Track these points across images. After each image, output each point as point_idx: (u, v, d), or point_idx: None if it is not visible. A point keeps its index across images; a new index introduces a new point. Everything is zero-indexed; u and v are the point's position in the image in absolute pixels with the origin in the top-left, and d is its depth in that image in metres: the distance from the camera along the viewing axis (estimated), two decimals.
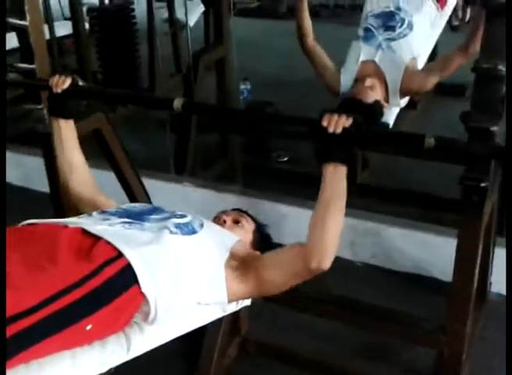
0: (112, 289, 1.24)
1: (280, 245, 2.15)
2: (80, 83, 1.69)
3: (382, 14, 3.24)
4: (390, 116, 3.14)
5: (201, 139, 3.28)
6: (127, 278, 1.27)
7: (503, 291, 2.32)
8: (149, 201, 2.80)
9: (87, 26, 4.18)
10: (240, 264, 1.52)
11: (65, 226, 1.39)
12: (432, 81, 2.92)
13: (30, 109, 1.96)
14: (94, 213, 1.56)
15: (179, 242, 1.44)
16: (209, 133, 3.46)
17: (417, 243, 2.51)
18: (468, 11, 4.09)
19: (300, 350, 2.21)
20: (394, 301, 2.39)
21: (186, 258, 1.42)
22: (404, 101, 3.07)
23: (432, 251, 2.49)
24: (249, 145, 3.57)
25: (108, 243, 1.31)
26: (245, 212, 1.91)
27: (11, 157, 2.23)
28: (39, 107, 1.96)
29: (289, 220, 2.75)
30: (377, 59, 3.03)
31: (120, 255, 1.29)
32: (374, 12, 3.28)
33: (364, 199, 3.05)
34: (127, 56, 4.07)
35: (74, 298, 1.18)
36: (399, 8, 3.21)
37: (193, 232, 1.51)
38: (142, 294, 1.29)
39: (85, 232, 1.36)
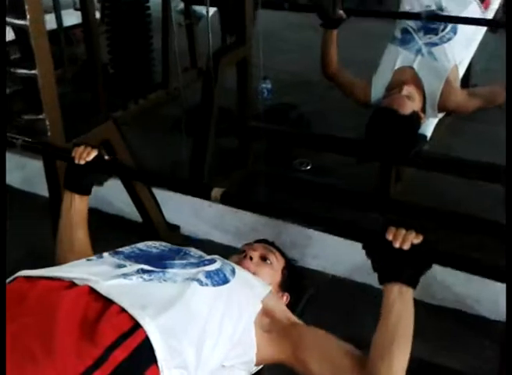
0: None
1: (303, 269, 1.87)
2: (106, 157, 1.54)
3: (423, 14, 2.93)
4: (428, 128, 2.83)
5: (217, 143, 3.02)
6: (142, 359, 1.01)
7: None
8: (161, 214, 2.58)
9: (97, 15, 3.93)
10: (273, 327, 1.30)
11: (70, 286, 1.13)
12: (472, 106, 2.64)
13: (31, 120, 1.72)
14: (106, 255, 1.32)
15: (210, 296, 1.21)
16: (225, 137, 3.22)
17: (460, 276, 2.24)
18: None
19: None
20: (433, 340, 2.14)
21: (216, 316, 1.19)
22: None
23: (477, 287, 2.23)
24: (269, 151, 3.30)
25: (122, 310, 1.06)
26: (272, 244, 1.70)
27: (11, 159, 2.00)
28: (40, 117, 1.72)
29: (315, 242, 2.50)
30: (415, 66, 2.73)
31: (136, 326, 1.04)
32: (413, 11, 2.97)
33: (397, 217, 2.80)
34: (140, 48, 3.85)
35: None
36: (441, 9, 2.89)
37: (225, 281, 1.29)
38: None
39: (94, 292, 1.11)
